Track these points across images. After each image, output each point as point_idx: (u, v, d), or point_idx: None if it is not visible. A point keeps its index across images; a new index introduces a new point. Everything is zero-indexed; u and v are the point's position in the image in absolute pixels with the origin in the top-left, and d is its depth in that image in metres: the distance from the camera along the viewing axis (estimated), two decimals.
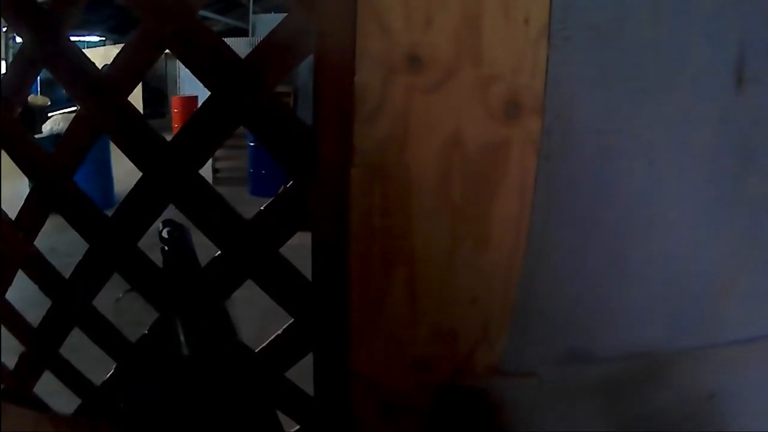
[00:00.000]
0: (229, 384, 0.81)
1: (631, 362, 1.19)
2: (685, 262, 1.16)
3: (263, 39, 1.15)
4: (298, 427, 1.42)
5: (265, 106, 1.16)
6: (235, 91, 1.18)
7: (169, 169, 1.28)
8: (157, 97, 14.59)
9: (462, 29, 0.92)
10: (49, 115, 9.95)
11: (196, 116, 1.23)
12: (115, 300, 0.95)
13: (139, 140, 1.30)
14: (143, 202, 1.33)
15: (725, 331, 1.22)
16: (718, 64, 1.05)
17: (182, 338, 0.83)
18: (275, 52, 1.14)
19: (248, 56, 1.15)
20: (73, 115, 1.38)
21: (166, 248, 0.98)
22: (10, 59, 1.45)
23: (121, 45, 1.38)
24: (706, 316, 1.21)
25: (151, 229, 1.30)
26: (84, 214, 1.43)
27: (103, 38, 18.25)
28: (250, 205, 1.56)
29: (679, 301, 1.18)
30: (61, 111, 10.27)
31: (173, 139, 1.26)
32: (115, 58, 1.30)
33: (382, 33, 0.91)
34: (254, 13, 13.73)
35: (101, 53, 13.66)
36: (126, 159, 1.32)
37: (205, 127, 1.23)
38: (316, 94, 1.01)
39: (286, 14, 1.12)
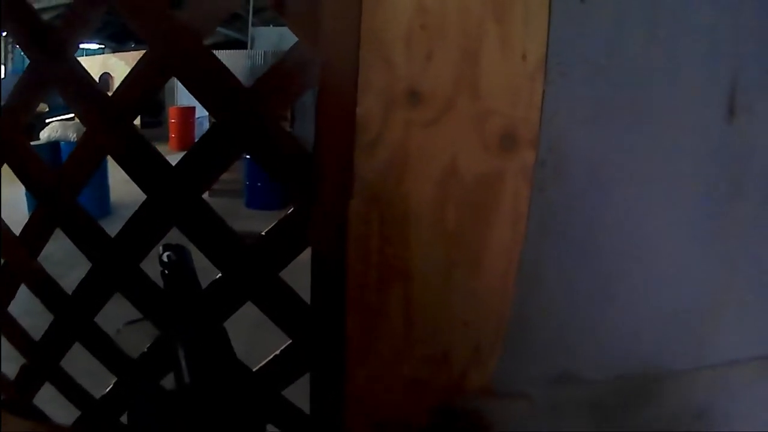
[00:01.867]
0: (228, 406, 0.82)
1: (620, 383, 1.21)
2: (674, 288, 1.18)
3: (268, 70, 1.16)
4: None
5: (269, 135, 1.18)
6: (240, 120, 1.20)
7: (172, 193, 1.29)
8: (154, 107, 14.51)
9: (461, 64, 0.95)
10: (47, 121, 9.89)
11: (201, 142, 1.25)
12: (115, 331, 0.97)
13: (143, 164, 1.31)
14: (146, 225, 1.34)
15: (713, 353, 1.24)
16: (711, 95, 1.08)
17: (183, 361, 0.85)
18: (279, 82, 1.16)
19: (253, 85, 1.17)
20: (71, 123, 1.39)
21: (167, 272, 0.99)
22: (10, 65, 1.46)
23: (120, 53, 1.40)
24: (694, 339, 1.23)
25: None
26: (88, 234, 1.44)
27: (102, 46, 18.19)
28: (245, 218, 1.59)
29: (668, 324, 1.20)
30: (59, 117, 10.20)
31: (178, 163, 1.27)
32: (121, 83, 1.31)
33: (384, 66, 0.94)
34: (253, 25, 13.66)
35: (100, 61, 13.62)
36: (121, 169, 1.33)
37: (209, 154, 1.25)
38: (318, 123, 1.03)
39: (292, 46, 1.14)
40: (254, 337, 1.61)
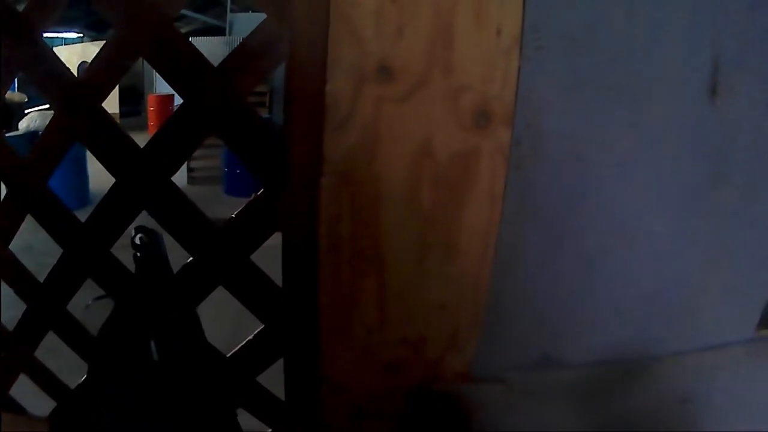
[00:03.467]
0: (198, 388, 0.81)
1: (603, 368, 1.20)
2: (656, 271, 1.17)
3: (236, 47, 1.15)
4: (270, 430, 1.42)
5: (237, 114, 1.16)
6: (208, 99, 1.18)
7: (142, 176, 1.27)
8: (133, 95, 14.47)
9: (433, 39, 0.92)
10: (26, 112, 9.84)
11: (169, 124, 1.24)
12: (84, 306, 0.95)
13: (113, 147, 1.29)
14: (117, 208, 1.32)
15: (697, 337, 1.24)
16: (692, 75, 1.06)
17: (154, 345, 0.84)
18: (248, 60, 1.14)
19: (221, 64, 1.15)
20: (50, 113, 1.38)
21: (139, 254, 0.97)
22: None
23: (99, 42, 1.38)
24: (677, 323, 1.22)
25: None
26: (58, 219, 1.42)
27: (81, 35, 18.10)
28: (225, 205, 1.57)
29: (651, 308, 1.19)
30: (38, 108, 10.16)
31: (146, 146, 1.26)
32: (89, 65, 1.29)
33: (354, 42, 0.91)
34: (232, 11, 13.64)
35: (78, 50, 13.55)
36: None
37: (178, 135, 1.23)
38: (287, 101, 1.01)
39: (260, 23, 1.12)
40: (238, 324, 1.60)
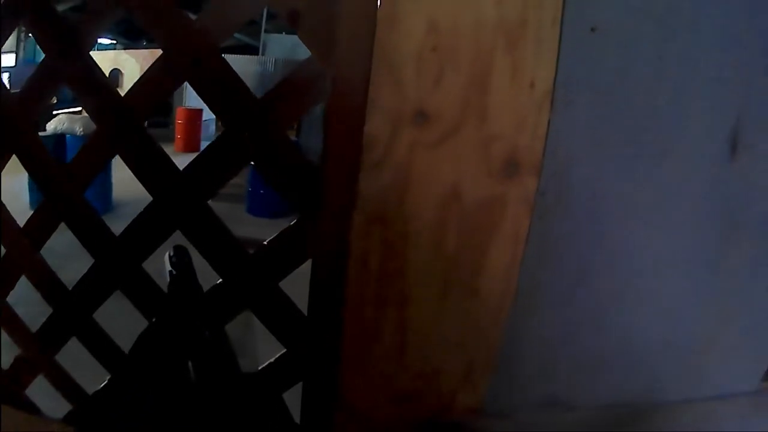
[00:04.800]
0: (231, 408, 0.83)
1: (610, 412, 1.22)
2: (667, 322, 1.19)
3: (278, 83, 1.16)
4: None
5: (277, 146, 1.19)
6: (249, 129, 1.20)
7: (178, 198, 1.30)
8: (161, 107, 14.41)
9: (469, 88, 0.96)
10: (54, 113, 9.86)
11: (209, 149, 1.26)
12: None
13: (152, 166, 1.31)
14: (151, 226, 1.34)
15: (703, 387, 1.26)
16: (715, 132, 1.09)
17: (190, 363, 0.86)
18: (290, 95, 1.16)
19: (263, 96, 1.17)
20: (78, 116, 1.39)
21: (174, 272, 1.00)
22: (22, 53, 1.46)
23: (132, 50, 1.40)
24: (685, 373, 1.24)
25: None
26: (92, 230, 1.44)
27: (114, 42, 18.18)
28: (246, 224, 1.58)
29: (660, 357, 1.21)
30: (66, 110, 10.16)
31: (185, 168, 1.27)
32: (134, 84, 1.31)
33: (393, 86, 0.95)
34: (266, 31, 13.65)
35: (111, 57, 13.59)
36: (124, 165, 1.34)
37: (217, 161, 1.25)
38: (326, 139, 1.04)
39: (304, 59, 1.14)
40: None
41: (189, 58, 1.22)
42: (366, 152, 0.96)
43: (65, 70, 1.40)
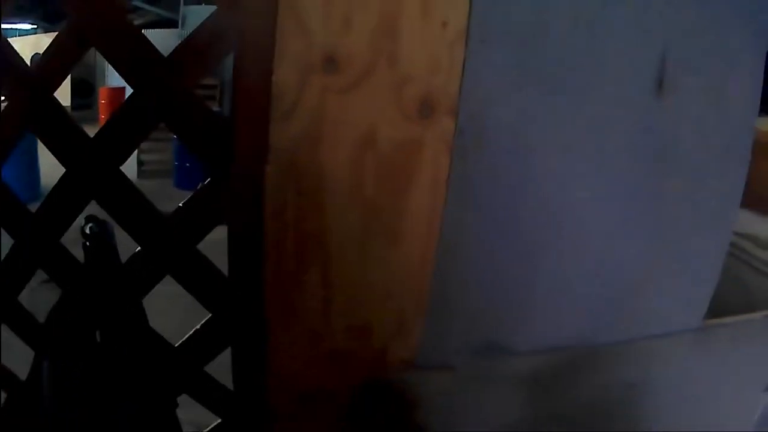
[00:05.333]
0: (139, 376, 0.81)
1: (551, 355, 1.22)
2: (602, 260, 1.19)
3: (185, 38, 1.15)
4: (219, 420, 1.43)
5: (184, 102, 1.16)
6: (156, 89, 1.17)
7: (91, 166, 1.27)
8: (84, 88, 14.21)
9: (379, 31, 0.94)
10: None
11: (118, 113, 1.23)
12: (29, 290, 0.95)
13: (63, 136, 1.28)
14: (66, 198, 1.31)
15: (644, 325, 1.26)
16: (639, 71, 1.09)
17: (99, 333, 0.84)
18: (196, 51, 1.14)
19: (170, 55, 1.15)
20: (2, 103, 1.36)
21: (88, 244, 0.97)
22: None
23: (53, 34, 1.37)
24: (623, 312, 1.25)
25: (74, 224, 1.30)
26: (9, 210, 1.41)
27: (35, 26, 17.79)
28: (174, 199, 1.55)
29: (597, 297, 1.21)
30: None
31: (96, 135, 1.25)
32: (43, 54, 1.29)
33: (301, 33, 0.92)
34: (185, 4, 13.49)
35: (32, 41, 13.30)
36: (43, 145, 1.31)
37: (127, 125, 1.23)
38: (235, 91, 1.01)
39: (209, 14, 1.12)
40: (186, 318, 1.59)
41: (95, 22, 1.19)
42: (275, 102, 0.93)
43: None
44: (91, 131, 1.29)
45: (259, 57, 0.95)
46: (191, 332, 1.31)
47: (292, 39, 0.92)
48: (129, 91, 1.21)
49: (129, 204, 1.26)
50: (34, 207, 1.41)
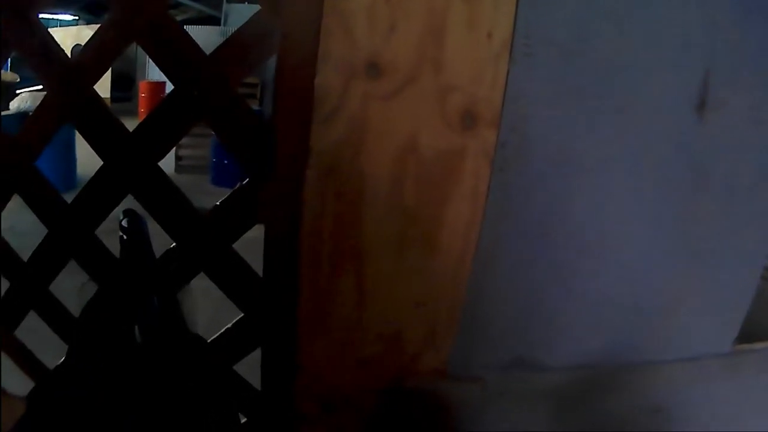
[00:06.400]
0: (181, 374, 0.81)
1: (579, 373, 1.21)
2: (633, 280, 1.18)
3: (228, 37, 1.15)
4: (245, 419, 1.43)
5: (225, 102, 1.17)
6: (198, 87, 1.18)
7: (129, 160, 1.27)
8: (124, 81, 14.39)
9: (424, 38, 0.93)
10: (17, 92, 9.78)
11: (158, 109, 1.23)
12: (79, 286, 0.94)
13: (102, 129, 1.29)
14: (103, 191, 1.32)
15: (673, 348, 1.25)
16: (680, 89, 1.08)
17: (136, 328, 0.84)
18: (239, 51, 1.14)
19: (212, 53, 1.15)
20: (41, 93, 1.37)
21: (125, 237, 0.98)
22: None
23: (94, 26, 1.37)
24: (654, 333, 1.24)
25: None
26: (44, 199, 1.42)
27: (77, 17, 18.00)
28: (210, 195, 1.56)
29: (627, 316, 1.20)
30: (30, 89, 10.08)
31: (135, 130, 1.25)
32: (84, 46, 1.29)
33: (345, 37, 0.92)
34: (227, 2, 13.64)
35: (73, 33, 13.46)
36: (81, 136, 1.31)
37: (166, 121, 1.23)
38: (276, 93, 1.01)
39: (253, 14, 1.12)
40: (216, 315, 1.60)
41: (138, 17, 1.19)
42: (317, 105, 0.93)
43: (13, 36, 1.36)
44: (130, 124, 1.29)
45: (301, 59, 0.95)
46: (222, 330, 1.31)
47: (336, 42, 0.92)
48: (169, 85, 1.21)
49: (166, 200, 1.26)
50: (69, 197, 1.42)
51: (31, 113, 1.43)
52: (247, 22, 1.13)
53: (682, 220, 1.16)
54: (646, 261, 1.17)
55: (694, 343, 1.26)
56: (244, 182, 1.19)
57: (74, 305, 1.48)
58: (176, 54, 1.18)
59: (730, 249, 1.21)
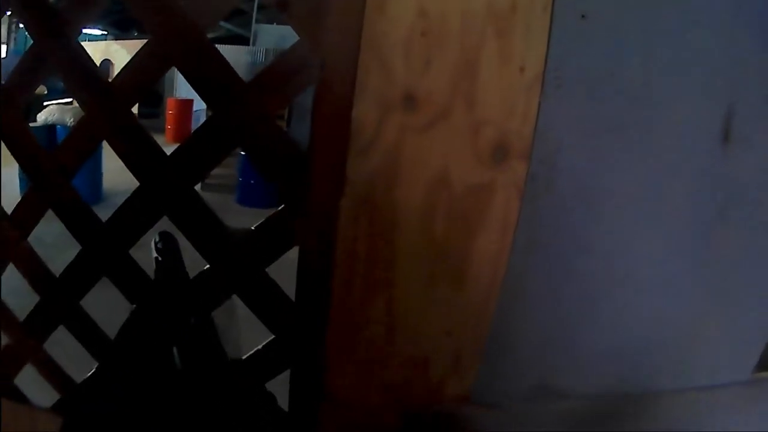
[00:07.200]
0: (217, 396, 0.82)
1: (600, 400, 1.21)
2: (657, 309, 1.18)
3: (267, 66, 1.16)
4: None
5: (263, 131, 1.19)
6: (236, 114, 1.20)
7: (166, 183, 1.29)
8: (153, 97, 14.42)
9: (458, 73, 0.95)
10: (45, 104, 9.83)
11: (196, 134, 1.25)
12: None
13: (139, 152, 1.31)
14: (138, 212, 1.34)
15: (694, 376, 1.25)
16: (706, 121, 1.09)
17: (174, 350, 0.85)
18: (277, 80, 1.15)
19: (251, 81, 1.17)
20: (69, 107, 1.38)
21: (160, 259, 0.99)
22: (12, 45, 1.45)
23: (123, 41, 1.39)
24: (675, 361, 1.24)
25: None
26: (79, 217, 1.44)
27: (105, 33, 18.13)
28: (236, 214, 1.58)
29: (650, 345, 1.21)
30: (57, 101, 10.13)
31: (172, 153, 1.27)
32: (122, 70, 1.31)
33: (381, 71, 0.94)
34: (257, 22, 13.67)
35: (102, 48, 13.55)
36: (115, 156, 1.34)
37: (204, 146, 1.25)
38: (314, 124, 1.04)
39: (293, 44, 1.14)
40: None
41: (177, 43, 1.22)
42: (354, 137, 0.96)
43: (53, 57, 1.39)
44: (159, 140, 1.31)
45: (339, 91, 0.98)
46: (252, 351, 1.32)
47: (373, 76, 0.94)
48: (197, 103, 1.23)
49: (201, 223, 1.28)
50: (95, 209, 1.44)
51: (61, 126, 1.44)
52: (285, 52, 1.15)
53: (705, 251, 1.17)
54: (669, 292, 1.18)
55: (714, 371, 1.26)
56: (280, 208, 1.21)
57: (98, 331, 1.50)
58: (214, 80, 1.20)
59: (752, 281, 1.22)
